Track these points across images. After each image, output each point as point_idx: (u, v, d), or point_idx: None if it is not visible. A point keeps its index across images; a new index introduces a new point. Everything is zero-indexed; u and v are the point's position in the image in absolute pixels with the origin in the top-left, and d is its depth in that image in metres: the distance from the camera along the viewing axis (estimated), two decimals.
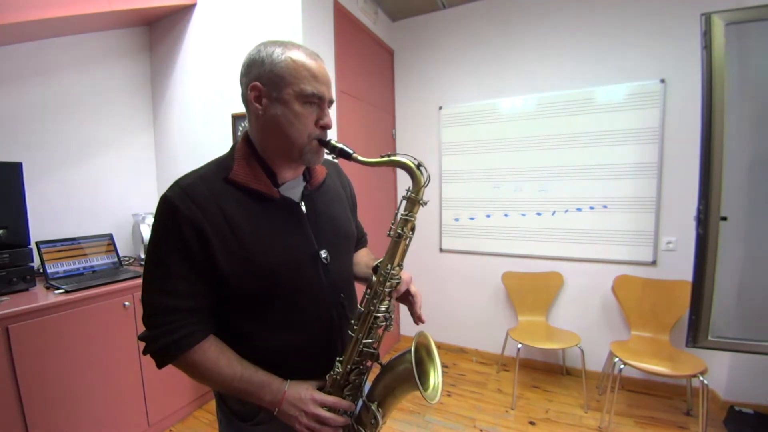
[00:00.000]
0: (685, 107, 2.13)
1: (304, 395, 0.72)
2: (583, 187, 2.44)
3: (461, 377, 2.61)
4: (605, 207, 2.39)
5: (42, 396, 1.47)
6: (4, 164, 1.66)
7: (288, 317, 0.75)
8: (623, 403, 2.21)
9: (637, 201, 2.30)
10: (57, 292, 1.62)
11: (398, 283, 0.78)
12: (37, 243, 1.82)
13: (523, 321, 2.56)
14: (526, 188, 2.61)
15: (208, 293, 0.70)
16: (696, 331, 1.57)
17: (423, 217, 0.78)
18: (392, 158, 0.73)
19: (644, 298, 2.26)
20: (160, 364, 0.69)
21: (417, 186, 0.75)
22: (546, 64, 2.51)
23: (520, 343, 2.21)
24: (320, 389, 0.76)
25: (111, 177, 2.33)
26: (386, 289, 0.75)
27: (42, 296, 1.59)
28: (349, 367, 0.75)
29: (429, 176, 0.75)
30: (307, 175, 0.82)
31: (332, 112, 0.77)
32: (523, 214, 2.64)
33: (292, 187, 0.79)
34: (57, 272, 1.85)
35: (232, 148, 0.78)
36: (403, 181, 3.09)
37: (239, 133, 2.15)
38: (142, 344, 0.69)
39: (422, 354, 0.79)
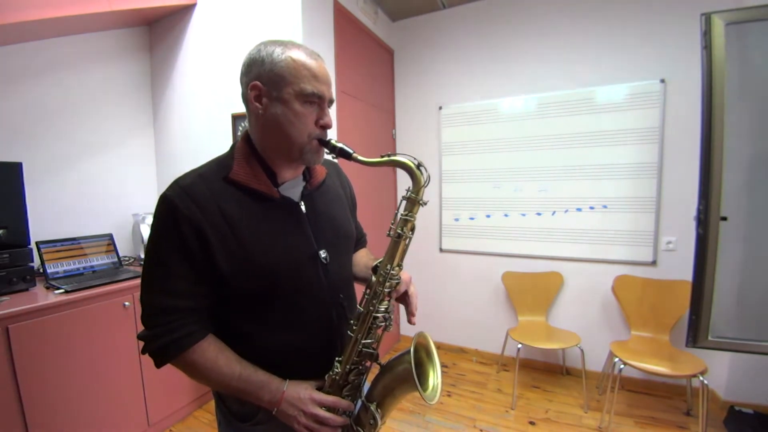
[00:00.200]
0: (685, 107, 2.13)
1: (303, 395, 0.72)
2: (583, 187, 2.43)
3: (461, 377, 2.61)
4: (605, 207, 2.39)
5: (42, 396, 1.47)
6: (4, 164, 1.66)
7: (287, 317, 0.75)
8: (623, 403, 2.21)
9: (637, 201, 2.30)
10: (57, 292, 1.62)
11: (398, 283, 0.78)
12: (37, 243, 1.82)
13: (523, 321, 2.56)
14: (526, 188, 2.61)
15: (207, 293, 0.70)
16: (696, 331, 1.57)
17: (423, 217, 0.78)
18: (392, 158, 0.73)
19: (644, 298, 2.26)
20: (158, 364, 0.69)
21: (417, 186, 0.75)
22: (546, 64, 2.51)
23: (520, 343, 2.21)
24: (319, 389, 0.76)
25: (111, 177, 2.33)
26: (386, 290, 0.75)
27: (42, 296, 1.59)
28: (348, 367, 0.75)
29: (429, 176, 0.75)
30: (307, 174, 0.82)
31: (332, 112, 0.77)
32: (523, 214, 2.64)
33: (292, 186, 0.79)
34: (57, 272, 1.85)
35: (232, 148, 0.78)
36: (403, 181, 3.09)
37: (239, 133, 2.15)
38: (142, 343, 0.69)
39: (421, 354, 0.79)
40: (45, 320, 1.49)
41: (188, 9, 2.29)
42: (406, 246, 0.76)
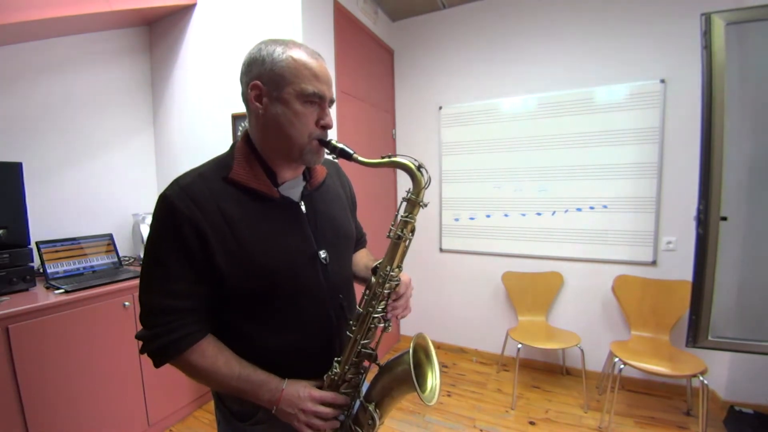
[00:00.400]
0: (685, 107, 2.13)
1: (302, 393, 0.72)
2: (583, 187, 2.43)
3: (461, 377, 2.61)
4: (605, 207, 2.39)
5: (42, 396, 1.47)
6: (4, 164, 1.66)
7: (287, 317, 0.75)
8: (623, 403, 2.21)
9: (637, 201, 2.30)
10: (57, 292, 1.62)
11: (397, 285, 0.78)
12: (37, 243, 1.82)
13: (523, 321, 2.56)
14: (526, 188, 2.60)
15: (206, 293, 0.70)
16: (696, 331, 1.57)
17: (423, 217, 0.78)
18: (393, 159, 0.73)
19: (644, 298, 2.26)
20: (157, 364, 0.69)
21: (417, 188, 0.74)
22: (546, 63, 2.51)
23: (520, 343, 2.21)
24: (318, 389, 0.76)
25: (111, 177, 2.32)
26: (385, 291, 0.75)
27: (42, 296, 1.59)
28: (347, 367, 0.75)
29: (430, 178, 0.75)
30: (307, 174, 0.82)
31: (332, 112, 0.77)
32: (523, 214, 2.64)
33: (292, 186, 0.79)
34: (57, 272, 1.85)
35: (232, 147, 0.77)
36: (403, 182, 3.09)
37: (239, 133, 2.15)
38: (141, 343, 0.69)
39: (420, 355, 0.79)
40: (45, 320, 1.49)
41: (188, 9, 2.29)
42: (406, 248, 0.76)
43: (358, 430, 0.77)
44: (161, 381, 1.90)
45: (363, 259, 0.99)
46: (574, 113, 2.42)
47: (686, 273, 1.80)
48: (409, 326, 3.18)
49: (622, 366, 1.91)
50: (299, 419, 0.71)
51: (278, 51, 0.69)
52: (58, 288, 1.64)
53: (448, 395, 2.38)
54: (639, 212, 2.31)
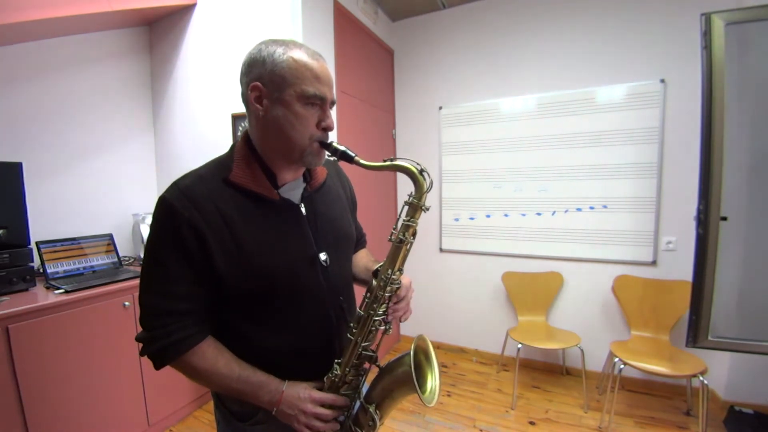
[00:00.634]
0: (685, 107, 2.13)
1: (302, 394, 0.72)
2: (583, 187, 2.43)
3: (461, 377, 2.61)
4: (605, 207, 2.39)
5: (42, 396, 1.47)
6: (4, 164, 1.66)
7: (287, 318, 0.75)
8: (623, 403, 2.21)
9: (637, 201, 2.30)
10: (57, 292, 1.62)
11: (398, 288, 0.78)
12: (37, 243, 1.82)
13: (523, 321, 2.56)
14: (526, 188, 2.60)
15: (206, 295, 0.70)
16: (696, 331, 1.57)
17: (423, 217, 0.78)
18: (395, 163, 0.73)
19: (644, 298, 2.26)
20: (157, 366, 0.69)
21: (419, 191, 0.74)
22: (546, 63, 2.50)
23: (520, 343, 2.21)
24: (318, 390, 0.76)
25: (111, 177, 2.32)
26: (386, 294, 0.75)
27: (42, 296, 1.59)
28: (347, 369, 0.75)
29: (432, 182, 0.74)
30: (308, 176, 0.82)
31: (332, 112, 0.76)
32: (523, 214, 2.64)
33: (292, 188, 0.79)
34: (57, 272, 1.85)
35: (232, 148, 0.77)
36: (403, 183, 3.09)
37: (239, 133, 2.15)
38: (141, 344, 0.69)
39: (420, 357, 0.79)
40: (45, 320, 1.49)
41: (188, 9, 2.29)
42: (407, 251, 0.76)
43: (359, 431, 0.77)
44: (161, 381, 1.90)
45: (363, 260, 0.99)
46: (574, 113, 2.42)
47: (686, 273, 1.80)
48: (409, 326, 3.19)
49: (622, 366, 1.91)
50: (299, 420, 0.71)
51: (279, 52, 0.68)
52: (58, 288, 1.64)
53: (448, 395, 2.38)
54: (639, 212, 2.31)
